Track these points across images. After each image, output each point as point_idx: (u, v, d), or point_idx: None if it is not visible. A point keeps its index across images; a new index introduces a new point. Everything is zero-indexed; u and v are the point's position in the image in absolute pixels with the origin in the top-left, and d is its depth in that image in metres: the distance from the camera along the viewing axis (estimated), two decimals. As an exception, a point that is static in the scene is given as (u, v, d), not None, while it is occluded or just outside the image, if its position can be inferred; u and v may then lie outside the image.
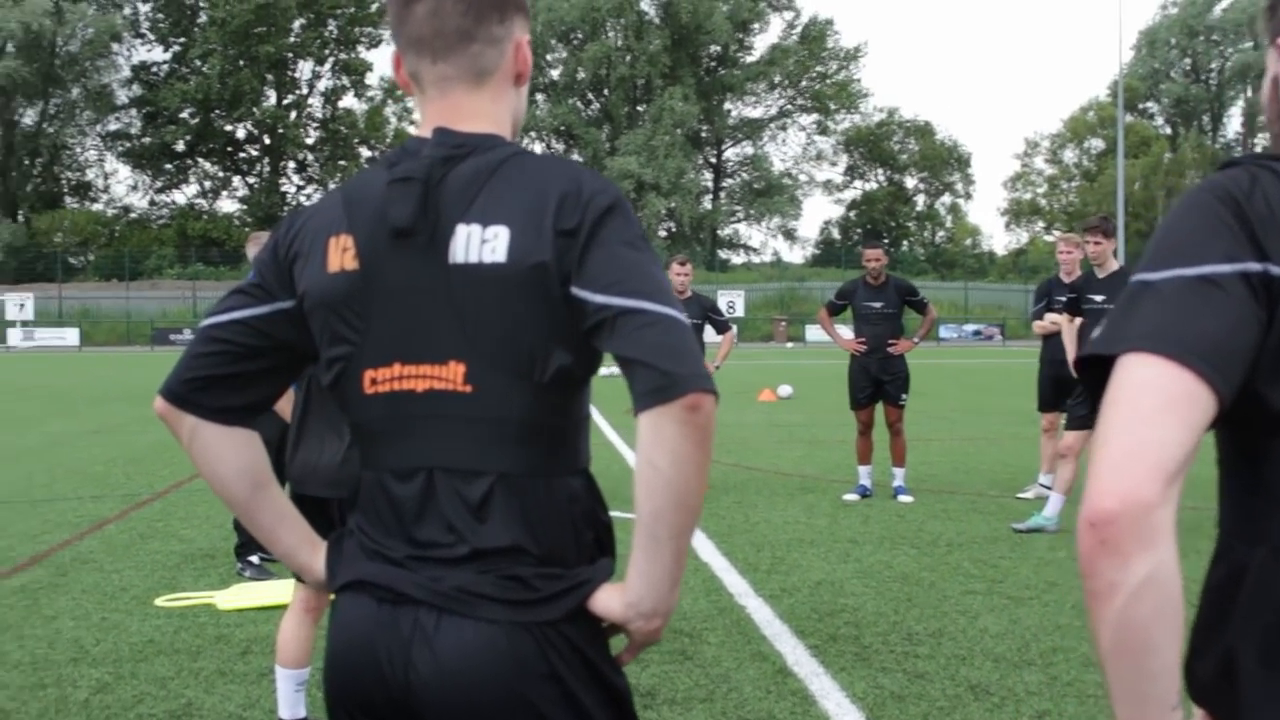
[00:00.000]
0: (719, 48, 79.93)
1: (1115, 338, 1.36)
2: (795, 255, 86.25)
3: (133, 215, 77.17)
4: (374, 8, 74.29)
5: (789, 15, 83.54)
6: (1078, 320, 8.98)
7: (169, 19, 74.06)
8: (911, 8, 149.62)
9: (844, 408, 11.22)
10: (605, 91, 77.60)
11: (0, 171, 70.63)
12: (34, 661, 5.69)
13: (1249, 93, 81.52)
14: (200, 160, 76.86)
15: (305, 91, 77.18)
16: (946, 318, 59.70)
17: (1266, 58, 1.60)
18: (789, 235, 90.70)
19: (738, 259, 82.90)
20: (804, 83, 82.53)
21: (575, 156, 69.24)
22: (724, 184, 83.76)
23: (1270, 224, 1.38)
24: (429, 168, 1.79)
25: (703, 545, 8.24)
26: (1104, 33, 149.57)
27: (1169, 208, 1.49)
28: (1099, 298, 8.74)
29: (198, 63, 71.48)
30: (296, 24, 72.89)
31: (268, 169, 76.67)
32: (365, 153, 76.93)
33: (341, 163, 75.76)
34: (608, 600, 1.76)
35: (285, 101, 75.99)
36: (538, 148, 71.19)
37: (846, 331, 11.03)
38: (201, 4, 72.47)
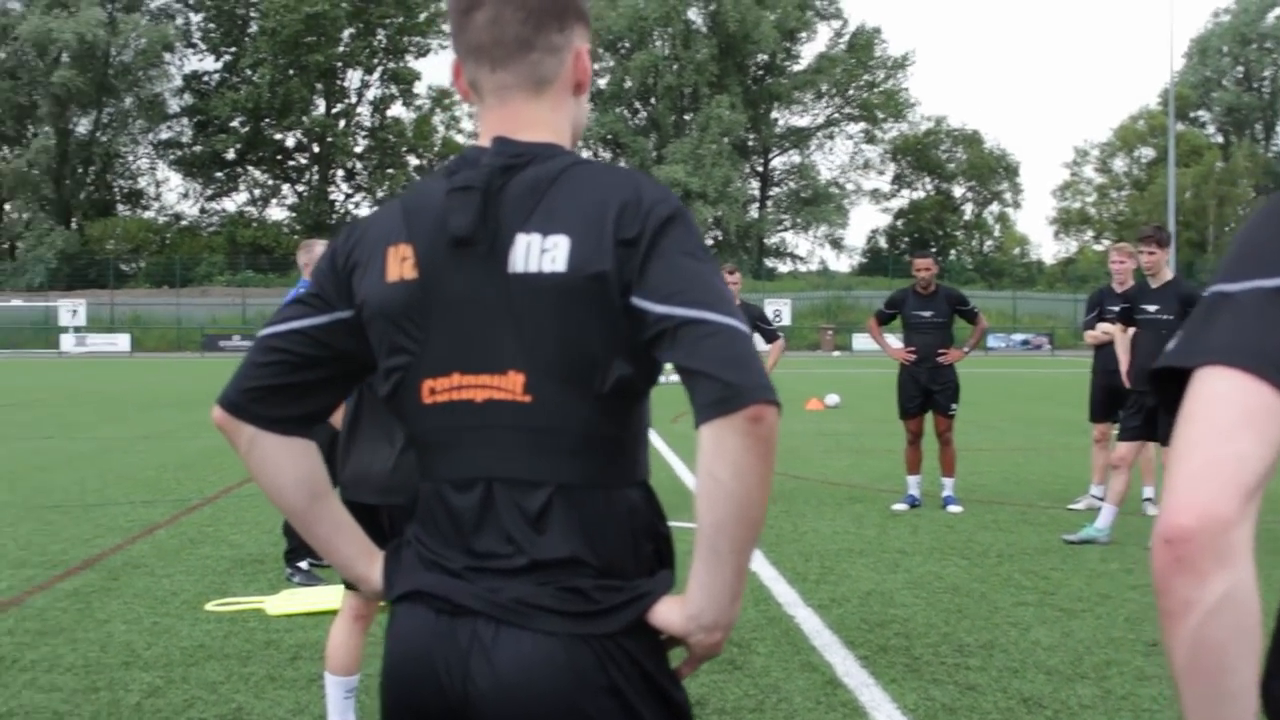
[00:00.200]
0: (766, 56, 79.77)
1: (1191, 350, 1.33)
2: (842, 264, 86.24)
3: (183, 223, 78.27)
4: (422, 17, 74.85)
5: (836, 24, 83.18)
6: (1130, 330, 8.90)
7: (220, 29, 75.02)
8: (959, 16, 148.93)
9: (891, 417, 11.16)
10: (652, 100, 77.66)
11: (55, 180, 71.60)
12: (86, 665, 5.74)
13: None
14: (250, 168, 77.78)
15: (354, 100, 77.97)
16: (995, 327, 59.28)
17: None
18: (836, 244, 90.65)
19: (784, 267, 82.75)
20: (851, 91, 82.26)
21: (621, 165, 69.27)
22: (771, 192, 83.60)
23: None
24: (488, 177, 1.78)
25: (750, 555, 8.21)
26: (1155, 41, 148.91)
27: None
28: (1152, 308, 8.64)
29: (248, 72, 72.39)
30: (346, 33, 73.52)
31: (316, 177, 77.30)
32: (413, 161, 77.52)
33: (389, 171, 76.30)
34: (668, 613, 1.74)
35: (334, 110, 76.73)
36: (584, 156, 71.30)
37: (895, 341, 10.98)
38: (252, 14, 73.35)
